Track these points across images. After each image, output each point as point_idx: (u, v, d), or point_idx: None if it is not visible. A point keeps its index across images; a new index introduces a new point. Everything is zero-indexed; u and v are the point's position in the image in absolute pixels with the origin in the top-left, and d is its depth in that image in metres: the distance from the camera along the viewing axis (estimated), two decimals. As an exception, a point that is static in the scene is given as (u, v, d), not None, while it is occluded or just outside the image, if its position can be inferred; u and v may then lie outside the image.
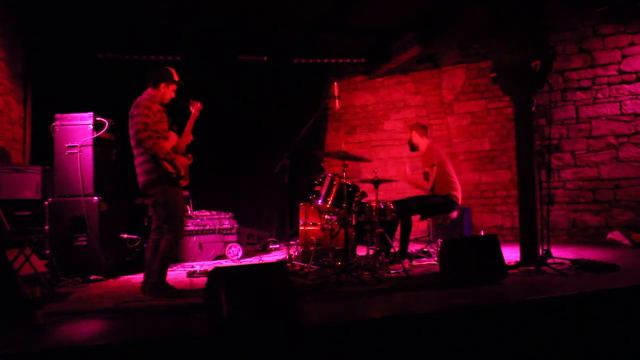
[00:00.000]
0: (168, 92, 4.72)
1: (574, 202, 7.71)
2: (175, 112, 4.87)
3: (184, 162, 4.68)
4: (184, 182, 4.68)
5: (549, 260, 5.10)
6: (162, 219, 4.63)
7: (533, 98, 5.40)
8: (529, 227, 5.42)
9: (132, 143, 4.60)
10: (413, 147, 6.42)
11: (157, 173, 4.49)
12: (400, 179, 6.40)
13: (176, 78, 4.76)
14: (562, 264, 5.11)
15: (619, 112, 7.44)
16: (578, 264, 5.04)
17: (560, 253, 5.50)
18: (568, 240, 7.65)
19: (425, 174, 6.08)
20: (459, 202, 6.11)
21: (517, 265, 5.26)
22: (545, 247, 5.25)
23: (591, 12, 7.48)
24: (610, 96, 7.49)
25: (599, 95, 7.57)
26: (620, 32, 7.45)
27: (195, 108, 4.87)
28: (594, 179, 7.58)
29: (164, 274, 4.59)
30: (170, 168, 4.50)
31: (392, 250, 5.66)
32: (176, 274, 5.72)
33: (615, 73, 7.46)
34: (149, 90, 4.67)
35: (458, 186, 6.11)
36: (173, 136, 4.76)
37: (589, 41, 7.65)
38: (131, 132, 4.52)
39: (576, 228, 7.69)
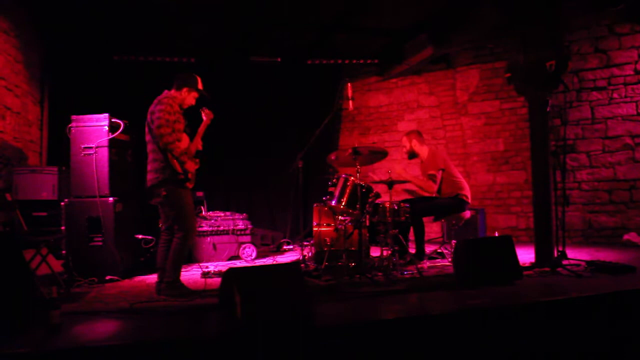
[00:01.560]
0: (189, 97, 4.77)
1: (589, 203, 7.65)
2: (188, 116, 4.90)
3: (192, 167, 4.71)
4: (189, 185, 4.71)
5: (564, 262, 5.07)
6: (171, 219, 4.69)
7: (548, 98, 5.36)
8: (544, 228, 5.39)
9: (147, 138, 4.66)
10: (413, 155, 6.41)
11: (166, 172, 4.54)
12: (404, 177, 6.36)
13: (200, 87, 4.82)
14: (578, 265, 5.07)
15: (635, 112, 7.36)
16: (594, 266, 5.00)
17: (576, 254, 5.46)
18: (583, 242, 7.58)
19: (431, 176, 6.06)
20: (469, 200, 6.09)
21: (532, 266, 5.23)
22: (560, 249, 5.22)
23: (607, 10, 7.40)
24: (626, 96, 7.42)
25: (615, 95, 7.50)
26: (636, 31, 7.37)
27: (207, 116, 4.93)
28: (610, 179, 7.51)
29: (178, 273, 4.63)
30: (179, 169, 4.54)
31: (406, 251, 5.65)
32: (190, 274, 5.76)
33: (632, 73, 7.39)
34: (172, 91, 4.73)
35: (465, 185, 6.10)
36: (185, 138, 4.80)
37: (604, 40, 7.58)
38: (152, 126, 4.54)
39: (592, 229, 7.62)
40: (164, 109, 4.51)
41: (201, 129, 4.90)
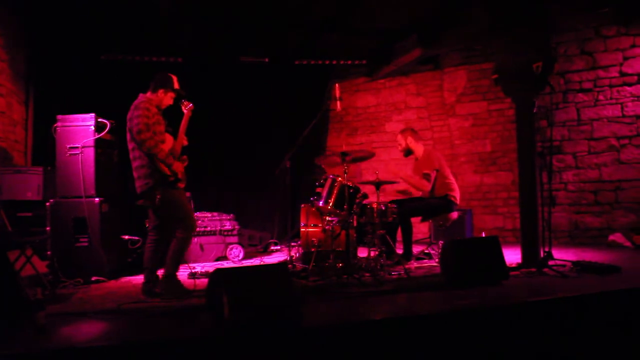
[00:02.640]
0: (166, 98, 4.72)
1: (575, 204, 7.71)
2: (168, 113, 4.86)
3: (179, 167, 4.68)
4: (181, 185, 4.69)
5: (550, 262, 5.10)
6: (165, 220, 4.67)
7: (535, 99, 5.41)
8: (531, 229, 5.42)
9: (130, 146, 4.61)
10: (409, 152, 6.41)
11: (154, 177, 4.50)
12: (399, 177, 6.37)
13: (176, 86, 4.76)
14: (564, 265, 5.10)
15: (620, 114, 7.44)
16: (579, 266, 5.04)
17: (562, 255, 5.49)
18: (569, 242, 7.64)
19: (426, 175, 6.07)
20: (457, 202, 6.11)
21: (519, 266, 5.26)
22: (547, 249, 5.25)
23: (593, 13, 7.47)
24: (611, 98, 7.49)
25: (601, 97, 7.57)
26: (622, 33, 7.45)
27: (186, 108, 4.86)
28: (596, 180, 7.57)
29: (176, 269, 4.63)
30: (167, 171, 4.51)
31: (394, 252, 5.66)
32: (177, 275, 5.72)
33: (617, 75, 7.46)
34: (147, 94, 4.68)
35: (456, 187, 6.12)
36: (169, 138, 4.75)
37: (590, 43, 7.65)
38: (132, 133, 4.51)
39: (578, 230, 7.68)
40: (141, 114, 4.46)
41: (183, 124, 4.84)
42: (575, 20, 7.67)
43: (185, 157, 4.83)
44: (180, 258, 4.67)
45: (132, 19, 6.89)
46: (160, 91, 4.68)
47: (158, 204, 4.54)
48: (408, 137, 6.35)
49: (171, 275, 4.59)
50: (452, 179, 6.14)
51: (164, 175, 4.50)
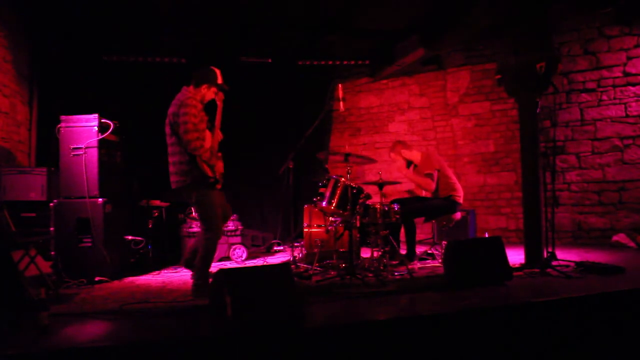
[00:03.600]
0: (209, 93, 4.66)
1: (578, 204, 7.70)
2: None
3: (221, 166, 4.66)
4: (219, 186, 4.65)
5: (554, 263, 5.09)
6: (200, 220, 4.69)
7: (538, 100, 5.39)
8: (534, 229, 5.41)
9: (169, 140, 4.53)
10: (409, 163, 6.36)
11: (192, 175, 4.44)
12: (405, 175, 6.34)
13: (219, 81, 4.69)
14: (567, 266, 5.09)
15: (624, 114, 7.42)
16: (583, 267, 5.03)
17: (565, 255, 5.48)
18: (573, 243, 7.63)
19: (429, 175, 6.06)
20: (461, 202, 6.10)
21: (522, 267, 5.25)
22: (550, 249, 5.24)
23: (596, 13, 7.46)
24: (615, 98, 7.48)
25: (604, 97, 7.55)
26: (625, 33, 7.43)
27: (219, 99, 4.79)
28: (599, 181, 7.56)
29: (208, 274, 4.52)
30: (209, 172, 4.46)
31: (397, 252, 5.66)
32: (181, 275, 5.74)
33: (621, 75, 7.45)
34: (191, 89, 4.58)
35: (459, 187, 6.11)
36: (208, 136, 4.66)
37: (594, 43, 7.64)
38: (175, 128, 4.41)
39: (581, 230, 7.67)
40: (188, 111, 4.36)
41: (218, 117, 4.76)
42: (577, 20, 7.67)
43: (220, 153, 4.76)
44: (209, 263, 4.59)
45: (135, 19, 6.91)
46: (204, 86, 4.61)
47: (192, 202, 4.52)
48: (401, 150, 6.29)
49: (204, 284, 4.43)
50: (453, 179, 6.12)
51: (206, 176, 4.45)
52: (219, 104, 4.79)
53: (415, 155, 6.31)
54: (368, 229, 5.54)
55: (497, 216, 8.35)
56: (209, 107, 4.78)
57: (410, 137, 9.01)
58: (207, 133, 4.65)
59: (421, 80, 9.04)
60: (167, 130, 4.54)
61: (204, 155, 4.42)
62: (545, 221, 5.39)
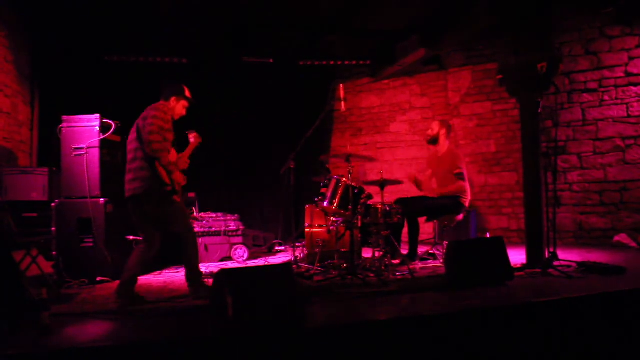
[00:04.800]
0: (178, 107, 4.65)
1: (580, 205, 7.69)
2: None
3: (180, 178, 4.53)
4: (177, 198, 4.49)
5: (555, 263, 5.09)
6: (149, 230, 4.52)
7: (539, 100, 5.38)
8: (535, 230, 5.40)
9: (132, 146, 4.47)
10: (434, 141, 6.35)
11: (149, 183, 4.33)
12: (414, 176, 6.35)
13: (187, 94, 4.70)
14: (569, 266, 5.09)
15: (625, 114, 7.41)
16: (584, 267, 5.02)
17: (567, 255, 5.48)
18: (574, 243, 7.62)
19: (459, 175, 6.02)
20: (467, 204, 6.08)
21: (523, 267, 5.24)
22: (552, 250, 5.24)
23: (598, 13, 7.46)
24: (616, 98, 7.47)
25: (606, 97, 7.55)
26: (627, 33, 7.42)
27: (194, 138, 4.84)
28: (601, 181, 7.55)
29: (200, 272, 4.62)
30: (167, 179, 4.35)
31: (398, 252, 5.66)
32: (182, 275, 5.72)
33: (622, 75, 7.44)
34: (161, 101, 4.60)
35: (468, 189, 6.08)
36: (173, 153, 4.62)
37: (595, 43, 7.63)
38: (141, 131, 4.37)
39: (582, 230, 7.66)
40: (158, 115, 4.36)
41: (188, 150, 4.78)
42: (579, 20, 7.66)
43: (185, 177, 4.69)
44: (197, 260, 4.62)
45: (136, 19, 6.92)
46: (173, 99, 4.63)
47: (149, 210, 4.39)
48: (443, 129, 6.30)
49: (201, 282, 4.52)
50: (467, 182, 6.09)
51: (162, 182, 4.34)
52: (193, 141, 4.84)
53: (445, 145, 6.30)
54: (369, 229, 5.54)
55: (499, 216, 8.34)
56: (181, 137, 4.81)
57: (412, 137, 9.02)
58: (173, 151, 4.59)
59: (422, 80, 9.04)
60: (133, 136, 4.48)
61: (163, 159, 4.32)
62: (547, 221, 5.39)
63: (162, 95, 4.66)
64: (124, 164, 5.97)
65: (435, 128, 6.35)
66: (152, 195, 4.35)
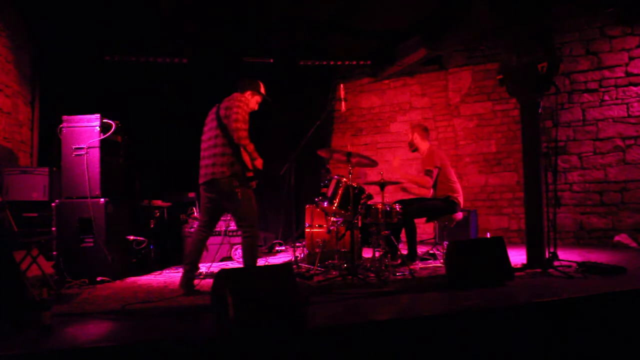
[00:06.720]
0: (252, 101, 4.86)
1: (580, 205, 7.69)
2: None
3: (260, 164, 4.72)
4: (253, 184, 4.70)
5: (556, 263, 5.09)
6: (237, 216, 4.72)
7: (539, 100, 5.39)
8: (536, 230, 5.40)
9: (213, 133, 4.64)
10: (413, 147, 6.43)
11: (234, 168, 4.55)
12: (398, 175, 6.36)
13: (262, 91, 4.91)
14: (569, 266, 5.09)
15: (626, 114, 7.42)
16: (585, 267, 5.02)
17: (567, 255, 5.48)
18: (575, 243, 7.62)
19: (428, 172, 6.06)
20: (460, 203, 6.09)
21: (524, 267, 5.25)
22: (552, 250, 5.24)
23: (598, 13, 7.45)
24: (617, 98, 7.47)
25: (606, 97, 7.55)
26: (627, 33, 7.43)
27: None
28: (601, 181, 7.55)
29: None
30: (249, 164, 4.59)
31: (398, 253, 5.66)
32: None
33: (623, 75, 7.45)
34: (237, 94, 4.77)
35: (458, 188, 6.10)
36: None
37: (595, 43, 7.63)
38: (227, 121, 4.55)
39: (583, 230, 7.66)
40: (241, 105, 4.57)
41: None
42: (579, 20, 7.66)
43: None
44: (256, 258, 4.72)
45: (136, 19, 6.92)
46: (248, 93, 4.86)
47: (227, 194, 4.56)
48: (415, 133, 6.36)
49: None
50: (454, 180, 6.11)
51: (245, 168, 4.57)
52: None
53: (424, 147, 6.32)
54: (370, 229, 5.54)
55: (499, 216, 8.34)
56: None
57: (412, 137, 9.01)
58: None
59: (423, 81, 9.05)
60: (213, 123, 4.66)
61: (249, 146, 4.54)
62: (547, 221, 5.39)
63: (238, 87, 4.86)
64: (124, 164, 6.03)
65: (409, 134, 6.47)
66: (233, 179, 4.53)
